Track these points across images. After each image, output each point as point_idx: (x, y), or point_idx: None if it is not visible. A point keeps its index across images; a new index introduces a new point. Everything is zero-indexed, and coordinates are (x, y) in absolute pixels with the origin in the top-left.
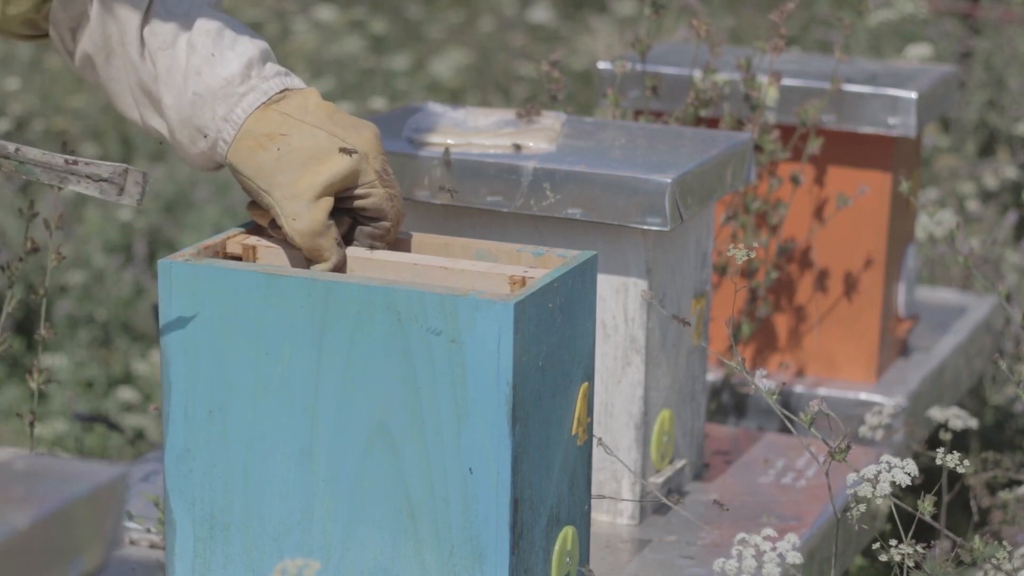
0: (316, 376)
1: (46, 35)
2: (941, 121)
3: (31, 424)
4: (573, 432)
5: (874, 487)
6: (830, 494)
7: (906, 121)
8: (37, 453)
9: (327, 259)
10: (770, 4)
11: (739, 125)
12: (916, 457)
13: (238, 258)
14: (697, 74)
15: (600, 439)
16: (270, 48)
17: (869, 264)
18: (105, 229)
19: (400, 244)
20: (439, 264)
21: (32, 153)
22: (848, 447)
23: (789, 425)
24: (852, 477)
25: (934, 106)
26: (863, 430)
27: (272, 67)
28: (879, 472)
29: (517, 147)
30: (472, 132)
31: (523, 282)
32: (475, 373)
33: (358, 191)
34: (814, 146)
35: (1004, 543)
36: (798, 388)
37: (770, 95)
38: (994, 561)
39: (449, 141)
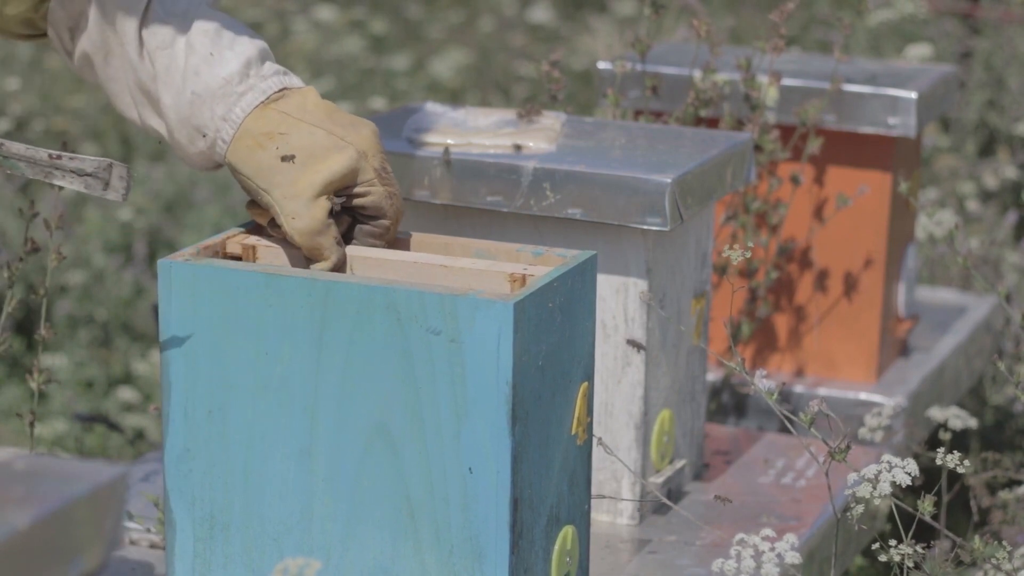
0: (316, 376)
1: (44, 35)
2: (941, 121)
3: (31, 424)
4: (573, 432)
5: (874, 487)
6: (830, 494)
7: (906, 121)
8: (37, 453)
9: (327, 258)
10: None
11: (739, 125)
12: (916, 457)
13: (238, 258)
14: (697, 74)
15: (600, 439)
16: (268, 47)
17: (869, 264)
18: (105, 229)
19: (400, 244)
20: (439, 262)
21: (16, 147)
22: (848, 447)
23: (789, 425)
24: (852, 477)
25: (934, 106)
26: (863, 432)
27: (270, 66)
28: (879, 472)
29: (517, 147)
30: (472, 132)
31: (523, 280)
32: (475, 373)
33: (357, 189)
34: (814, 146)
35: (1004, 543)
36: (798, 388)
37: (770, 95)
38: (994, 561)
39: (449, 141)
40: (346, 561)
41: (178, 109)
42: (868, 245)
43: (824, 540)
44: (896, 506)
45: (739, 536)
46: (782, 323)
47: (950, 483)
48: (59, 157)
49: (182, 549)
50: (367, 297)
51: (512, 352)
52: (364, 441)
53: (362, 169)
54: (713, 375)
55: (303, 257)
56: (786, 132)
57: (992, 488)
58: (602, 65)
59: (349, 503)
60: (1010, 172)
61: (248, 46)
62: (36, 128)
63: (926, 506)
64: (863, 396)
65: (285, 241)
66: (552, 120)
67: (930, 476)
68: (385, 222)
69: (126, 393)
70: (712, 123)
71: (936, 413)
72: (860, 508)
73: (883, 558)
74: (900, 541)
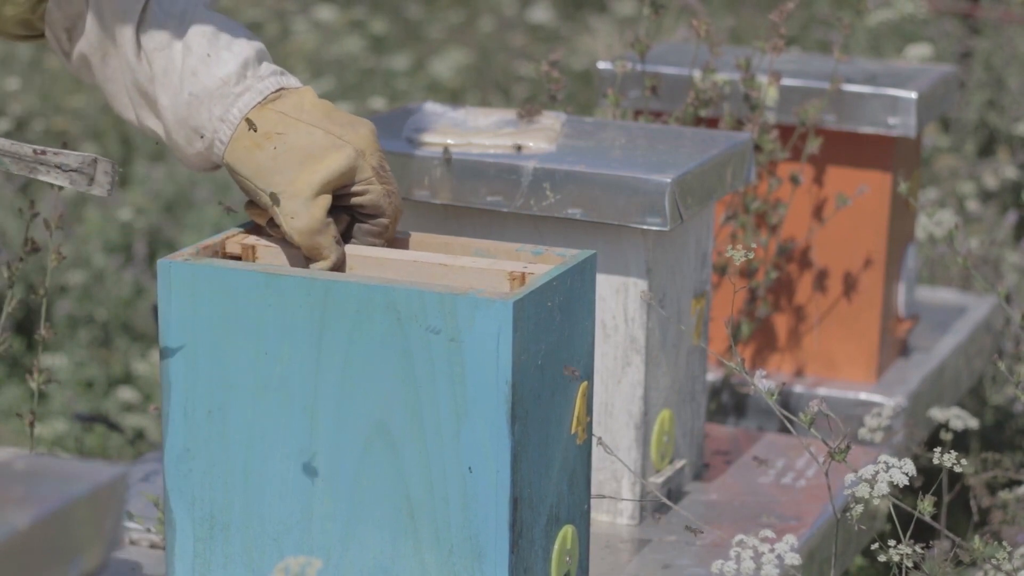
0: (315, 375)
1: (42, 35)
2: (941, 121)
3: (31, 424)
4: (572, 431)
5: (872, 487)
6: (830, 494)
7: (906, 121)
8: (37, 453)
9: (326, 257)
10: (770, 4)
11: (738, 125)
12: (916, 457)
13: (237, 258)
14: (697, 74)
15: (600, 439)
16: (265, 48)
17: (869, 264)
18: (105, 229)
19: (399, 243)
20: (439, 261)
21: (0, 143)
22: (848, 447)
23: (789, 425)
24: (850, 477)
25: (934, 106)
26: (862, 432)
27: (268, 67)
28: (877, 472)
29: (517, 147)
30: (472, 132)
31: (523, 278)
32: (474, 372)
33: (355, 188)
34: (813, 146)
35: (1004, 543)
36: (798, 388)
37: (770, 95)
38: (994, 561)
39: (449, 141)
40: (346, 561)
41: (176, 110)
42: (868, 245)
43: (824, 540)
44: (896, 506)
45: (738, 537)
46: (782, 323)
47: (950, 483)
48: (43, 153)
49: (182, 549)
50: (367, 296)
51: (512, 351)
52: (364, 441)
53: (360, 168)
54: (713, 375)
55: (303, 257)
56: (786, 132)
57: (992, 488)
58: (602, 65)
59: (349, 503)
60: (1010, 172)
61: (245, 47)
62: (36, 128)
63: (926, 506)
64: (863, 396)
65: (284, 241)
66: (552, 120)
67: (930, 476)
68: (384, 220)
69: (126, 393)
70: (712, 123)
71: (936, 413)
72: (860, 508)
73: (883, 558)
74: (900, 541)
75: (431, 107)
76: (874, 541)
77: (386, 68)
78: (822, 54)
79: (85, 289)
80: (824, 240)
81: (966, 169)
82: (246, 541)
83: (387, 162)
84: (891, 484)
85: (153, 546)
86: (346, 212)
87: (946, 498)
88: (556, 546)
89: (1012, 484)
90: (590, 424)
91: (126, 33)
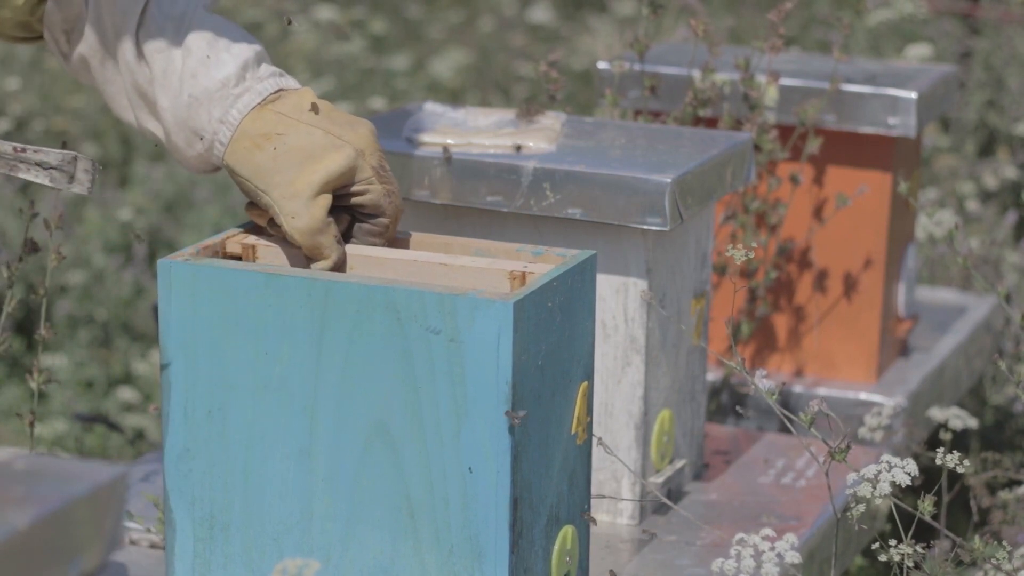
0: (315, 376)
1: (40, 37)
2: (941, 121)
3: (31, 424)
4: (573, 431)
5: (874, 487)
6: (830, 494)
7: (906, 121)
8: (37, 453)
9: (327, 257)
10: (770, 4)
11: (737, 125)
12: (916, 457)
13: (238, 258)
14: (696, 74)
15: (600, 439)
16: (264, 50)
17: (869, 264)
18: (105, 229)
19: (400, 243)
20: (439, 260)
21: None
22: (848, 447)
23: (789, 425)
24: (852, 477)
25: (934, 106)
26: (863, 431)
27: (267, 68)
28: (879, 472)
29: (517, 147)
30: (472, 132)
31: (523, 278)
32: (474, 372)
33: (355, 188)
34: (813, 146)
35: (1004, 543)
36: (798, 388)
37: (770, 95)
38: (994, 561)
39: (449, 141)
40: (346, 561)
41: (175, 112)
42: (868, 245)
43: (824, 540)
44: (896, 506)
45: (739, 536)
46: (782, 323)
47: (950, 483)
48: (24, 150)
49: (182, 549)
50: (367, 297)
51: (512, 351)
52: (364, 441)
53: (360, 167)
54: (713, 375)
55: (303, 257)
56: (786, 132)
57: (992, 488)
58: (601, 65)
59: (349, 503)
60: (1010, 172)
61: (245, 49)
62: (36, 128)
63: (926, 506)
64: (863, 396)
65: (285, 241)
66: (552, 120)
67: (930, 476)
68: (384, 220)
69: (126, 393)
70: (711, 123)
71: (936, 413)
72: (860, 508)
73: (883, 558)
74: (900, 541)
75: (431, 107)
76: (874, 541)
77: (386, 68)
78: (822, 54)
79: (85, 289)
80: (824, 240)
81: (966, 169)
82: (246, 541)
83: (387, 162)
84: (893, 484)
85: (153, 546)
86: (346, 212)
87: (946, 498)
88: (556, 546)
89: (1012, 484)
90: (590, 424)
91: (125, 35)
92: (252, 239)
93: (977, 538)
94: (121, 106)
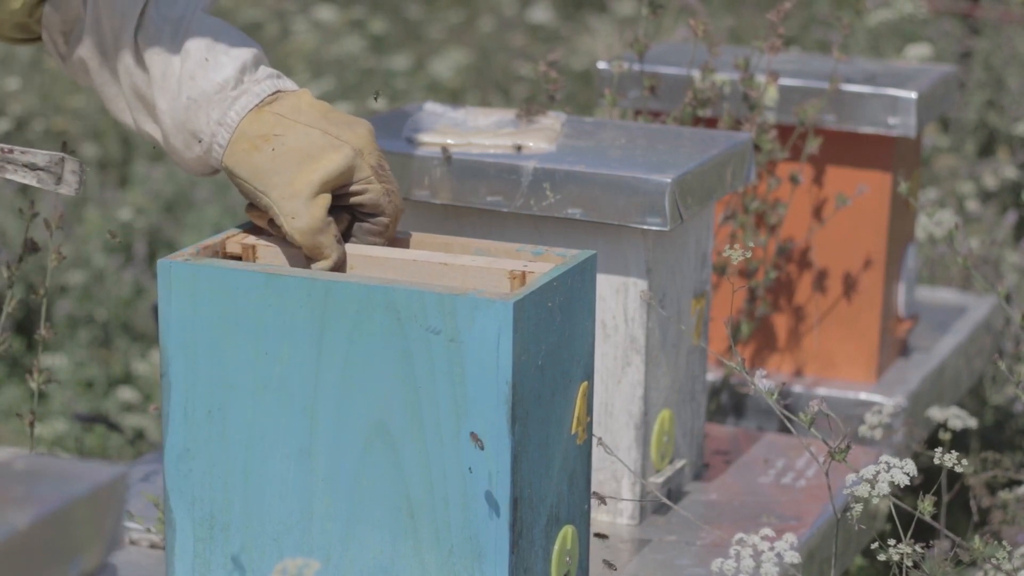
0: (315, 375)
1: (38, 39)
2: (941, 121)
3: (31, 424)
4: (573, 431)
5: (872, 487)
6: (830, 494)
7: (906, 121)
8: (37, 453)
9: (328, 256)
10: (770, 4)
11: (737, 125)
12: (916, 457)
13: (238, 258)
14: (696, 74)
15: (600, 439)
16: (263, 52)
17: (869, 264)
18: (105, 229)
19: (400, 243)
20: (439, 260)
21: None
22: (848, 447)
23: (789, 425)
24: (851, 477)
25: (934, 106)
26: (863, 429)
27: (264, 70)
28: (878, 472)
29: (517, 147)
30: (472, 132)
31: (523, 277)
32: (474, 372)
33: (354, 187)
34: (813, 146)
35: (1004, 543)
36: (798, 388)
37: (769, 95)
38: (994, 561)
39: (449, 141)
40: (346, 561)
41: (174, 114)
42: (868, 245)
43: (824, 540)
44: (896, 506)
45: (738, 536)
46: (782, 323)
47: (950, 483)
48: (11, 151)
49: (182, 549)
50: (367, 297)
51: (512, 352)
52: (364, 441)
53: (358, 167)
54: (713, 375)
55: (303, 257)
56: (785, 132)
57: (992, 488)
58: (601, 65)
59: (349, 503)
60: (1010, 172)
61: (243, 52)
62: (36, 128)
63: (926, 506)
64: (863, 396)
65: (285, 240)
66: (552, 120)
67: (930, 476)
68: (384, 219)
69: (126, 393)
70: (711, 123)
71: (936, 413)
72: (860, 508)
73: (883, 558)
74: (900, 541)
75: (431, 107)
76: (874, 541)
77: (386, 68)
78: (822, 54)
79: (85, 289)
80: (824, 240)
81: (966, 169)
82: (246, 541)
83: (386, 161)
84: (892, 484)
85: (153, 546)
86: (346, 211)
87: (946, 498)
88: (556, 546)
89: (1012, 484)
90: (590, 424)
91: (124, 37)
92: (252, 239)
93: (977, 538)
94: (119, 108)
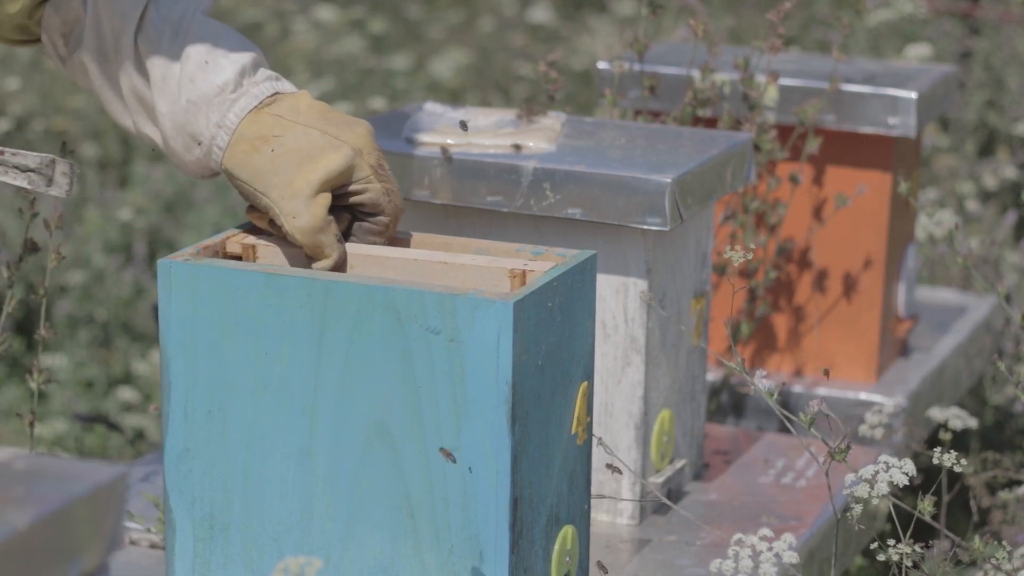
0: (315, 375)
1: (38, 40)
2: (941, 121)
3: (31, 424)
4: (573, 431)
5: (871, 487)
6: (830, 494)
7: (906, 121)
8: (37, 453)
9: (328, 255)
10: (770, 4)
11: (737, 125)
12: (916, 457)
13: (238, 258)
14: (696, 74)
15: (600, 439)
16: (262, 55)
17: (869, 264)
18: (105, 229)
19: (400, 243)
20: (439, 259)
21: None
22: (848, 447)
23: (789, 425)
24: (850, 477)
25: (934, 106)
26: (863, 429)
27: (263, 72)
28: (877, 472)
29: (517, 147)
30: (472, 132)
31: (523, 276)
32: (474, 372)
33: (354, 187)
34: (812, 146)
35: (1004, 543)
36: (798, 388)
37: (769, 95)
38: (994, 561)
39: (449, 141)
40: (346, 561)
41: (173, 117)
42: (868, 245)
43: (824, 540)
44: (896, 506)
45: (737, 536)
46: (781, 323)
47: (950, 483)
48: (2, 153)
49: (182, 549)
50: (367, 296)
51: (512, 352)
52: (364, 441)
53: (358, 166)
54: (713, 375)
55: (303, 257)
56: (785, 132)
57: (992, 488)
58: (601, 65)
59: (349, 503)
60: (1010, 172)
61: (242, 54)
62: (36, 128)
63: (926, 506)
64: (863, 396)
65: (285, 240)
66: (552, 120)
67: (930, 476)
68: (384, 219)
69: (126, 393)
70: (710, 123)
71: (936, 413)
72: (859, 508)
73: (882, 558)
74: (900, 541)
75: (431, 107)
76: (874, 541)
77: (386, 68)
78: (822, 54)
79: (85, 289)
80: (824, 240)
81: (966, 169)
82: (246, 541)
83: (386, 161)
84: (891, 484)
85: (153, 546)
86: (347, 211)
87: (946, 498)
88: (556, 546)
89: (1012, 484)
90: (590, 424)
91: (124, 39)
92: (252, 239)
93: (977, 538)
94: (118, 110)
